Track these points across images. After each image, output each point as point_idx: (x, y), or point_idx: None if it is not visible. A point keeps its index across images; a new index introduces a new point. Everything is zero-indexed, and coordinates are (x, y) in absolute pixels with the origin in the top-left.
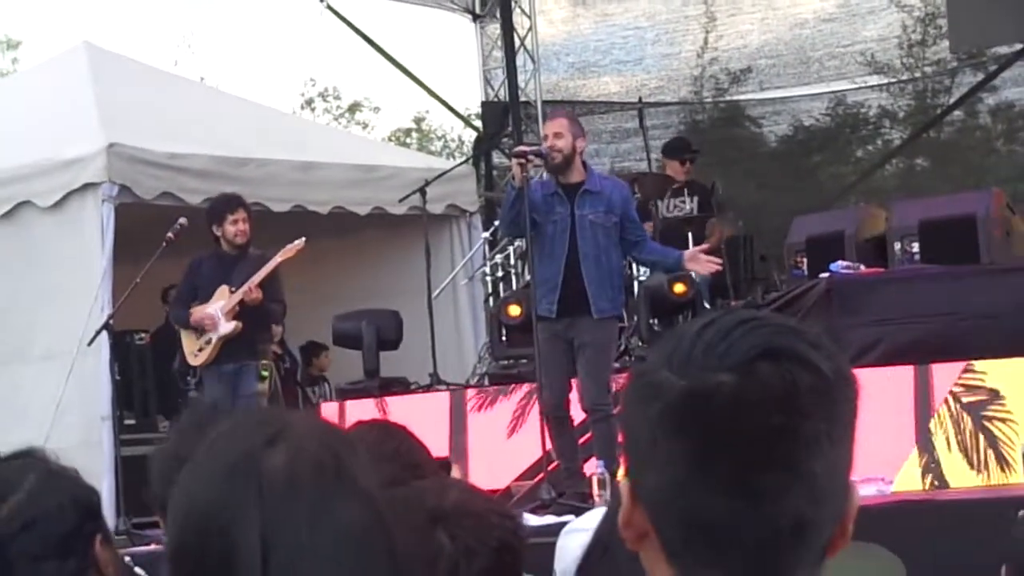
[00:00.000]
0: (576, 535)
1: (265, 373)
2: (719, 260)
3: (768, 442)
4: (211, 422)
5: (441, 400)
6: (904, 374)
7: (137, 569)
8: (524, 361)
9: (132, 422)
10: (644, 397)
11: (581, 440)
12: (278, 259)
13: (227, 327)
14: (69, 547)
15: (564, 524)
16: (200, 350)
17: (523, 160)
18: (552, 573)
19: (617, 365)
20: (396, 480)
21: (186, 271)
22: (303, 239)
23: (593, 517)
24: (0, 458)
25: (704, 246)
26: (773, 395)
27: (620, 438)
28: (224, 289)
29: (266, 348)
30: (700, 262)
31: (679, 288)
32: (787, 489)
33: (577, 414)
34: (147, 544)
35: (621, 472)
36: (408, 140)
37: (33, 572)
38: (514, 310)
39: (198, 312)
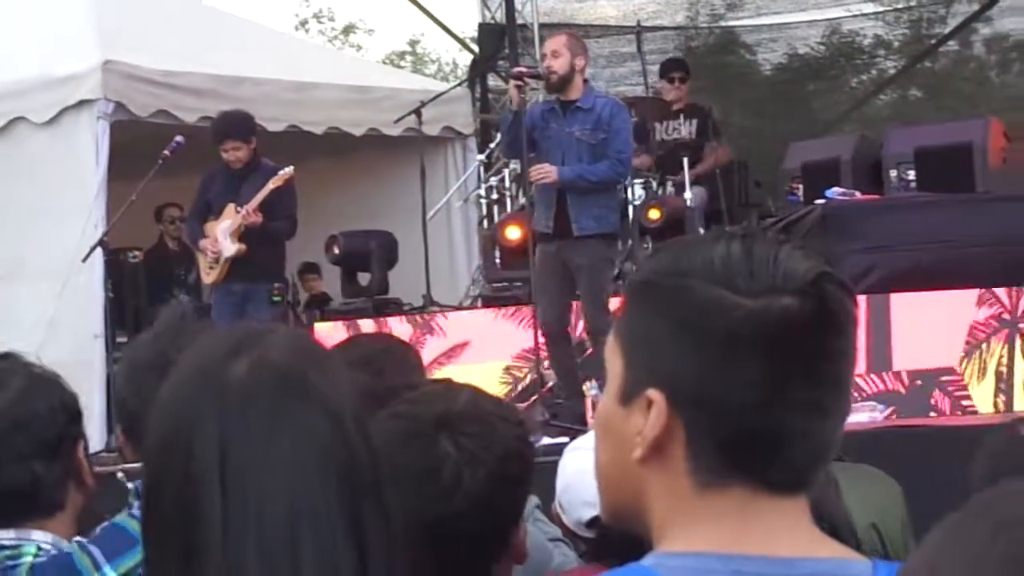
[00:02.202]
0: (577, 453)
1: (277, 298)
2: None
3: (833, 363)
4: (187, 332)
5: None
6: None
7: (130, 484)
8: (519, 284)
9: (124, 340)
10: (693, 316)
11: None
12: (269, 187)
13: (231, 248)
14: (55, 448)
15: (558, 446)
16: (211, 268)
17: (520, 82)
18: (553, 491)
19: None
20: (382, 392)
21: (199, 185)
22: (291, 168)
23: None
24: None
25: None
26: (835, 319)
27: (628, 349)
28: (231, 208)
29: (278, 269)
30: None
31: (653, 214)
32: (841, 408)
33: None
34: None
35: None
36: (402, 63)
37: (21, 472)
38: (513, 232)
39: (205, 239)
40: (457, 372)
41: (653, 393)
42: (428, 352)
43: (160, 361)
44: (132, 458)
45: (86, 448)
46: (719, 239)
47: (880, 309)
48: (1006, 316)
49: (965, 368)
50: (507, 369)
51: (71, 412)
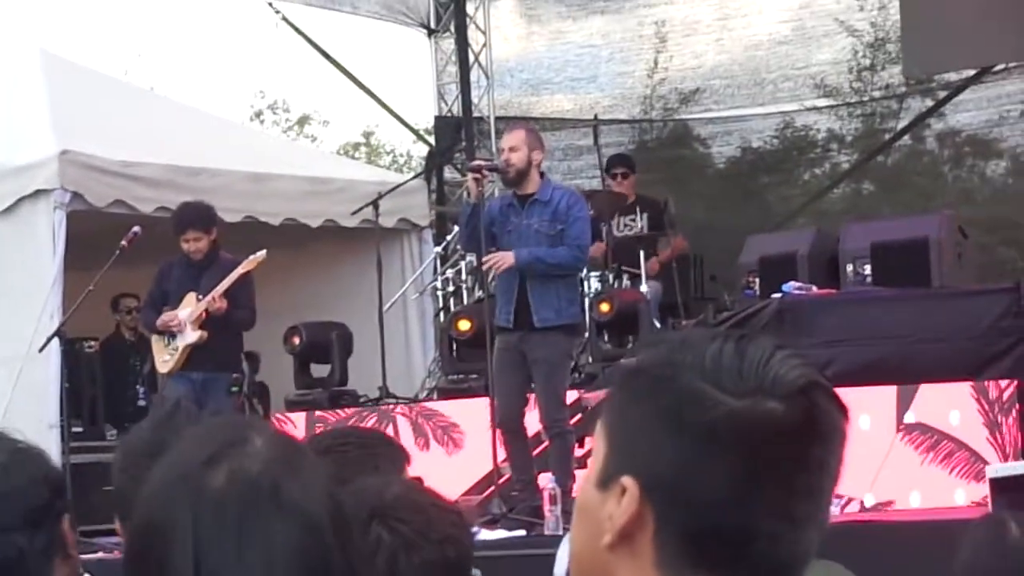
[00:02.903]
0: None
1: (235, 388)
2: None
3: (810, 473)
4: (182, 420)
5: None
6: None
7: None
8: (475, 376)
9: (80, 430)
10: (677, 406)
11: (535, 452)
12: (240, 271)
13: (192, 336)
14: (39, 521)
15: (516, 539)
16: (168, 357)
17: (478, 175)
18: None
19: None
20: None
21: (156, 275)
22: (264, 252)
23: None
24: None
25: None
26: (820, 430)
27: (611, 435)
28: (191, 296)
29: (236, 359)
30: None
31: (603, 307)
32: (814, 519)
33: (531, 427)
34: (95, 552)
35: (603, 468)
36: (356, 155)
37: (5, 546)
38: (464, 324)
39: (166, 316)
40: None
41: (627, 480)
42: None
43: (155, 448)
44: None
45: (72, 522)
46: (716, 337)
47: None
48: None
49: None
50: None
51: (55, 486)
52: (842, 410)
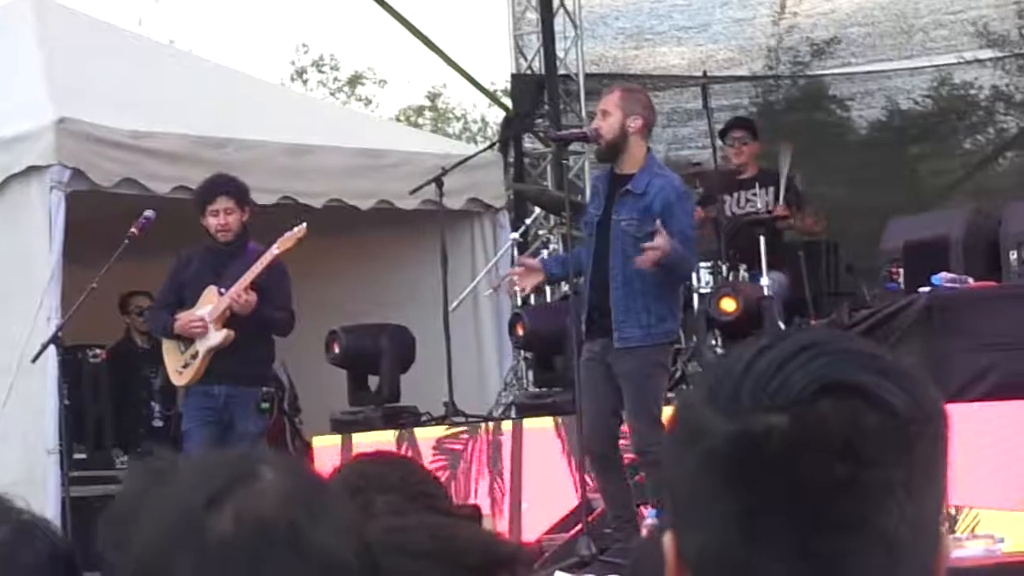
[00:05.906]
0: None
1: (266, 406)
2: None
3: (830, 498)
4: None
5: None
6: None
7: None
8: (559, 389)
9: (83, 456)
10: (684, 440)
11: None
12: (274, 251)
13: (215, 337)
14: None
15: None
16: (185, 367)
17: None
18: None
19: (672, 395)
20: (401, 511)
21: (171, 269)
22: (304, 225)
23: None
24: None
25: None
26: (833, 440)
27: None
28: (212, 291)
29: (267, 370)
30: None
31: (727, 305)
32: (856, 553)
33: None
34: None
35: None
36: (420, 120)
37: None
38: (519, 329)
39: (185, 316)
40: None
41: (665, 540)
42: None
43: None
44: None
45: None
46: (746, 349)
47: None
48: None
49: None
50: None
51: (63, 567)
52: (883, 409)
